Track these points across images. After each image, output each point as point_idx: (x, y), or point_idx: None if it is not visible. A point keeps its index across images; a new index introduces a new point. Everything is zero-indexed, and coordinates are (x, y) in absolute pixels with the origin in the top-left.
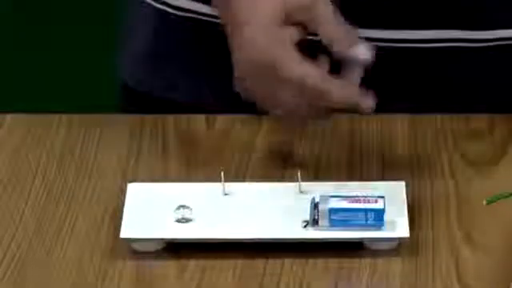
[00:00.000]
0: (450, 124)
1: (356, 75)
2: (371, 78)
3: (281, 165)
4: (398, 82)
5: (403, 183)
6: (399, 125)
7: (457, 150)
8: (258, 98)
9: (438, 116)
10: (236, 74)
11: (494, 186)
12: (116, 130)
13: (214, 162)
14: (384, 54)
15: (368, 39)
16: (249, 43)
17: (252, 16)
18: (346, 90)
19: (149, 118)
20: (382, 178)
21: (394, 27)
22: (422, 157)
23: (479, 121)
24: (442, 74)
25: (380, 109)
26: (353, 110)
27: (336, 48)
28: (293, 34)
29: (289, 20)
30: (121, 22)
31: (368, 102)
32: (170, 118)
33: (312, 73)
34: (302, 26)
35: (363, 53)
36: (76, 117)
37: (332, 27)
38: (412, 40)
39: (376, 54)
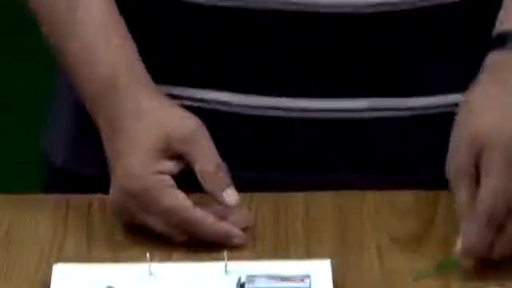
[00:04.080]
0: (374, 200)
1: (234, 216)
2: (304, 147)
3: (207, 243)
4: (329, 152)
5: (329, 261)
6: (325, 201)
7: (382, 226)
8: (130, 222)
9: (364, 192)
10: (111, 197)
11: (420, 263)
12: (41, 211)
13: (141, 241)
14: (314, 123)
15: (300, 110)
16: (127, 172)
17: (133, 145)
18: (216, 227)
19: (74, 197)
20: (308, 256)
21: (323, 96)
22: (348, 234)
23: (404, 197)
24: (370, 142)
25: (309, 180)
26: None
27: (207, 188)
28: (170, 166)
29: (169, 152)
30: (46, 102)
31: (237, 239)
32: (95, 198)
33: (184, 208)
34: (181, 158)
35: (230, 199)
36: (1, 197)
37: (208, 165)
38: (341, 109)
39: (307, 124)
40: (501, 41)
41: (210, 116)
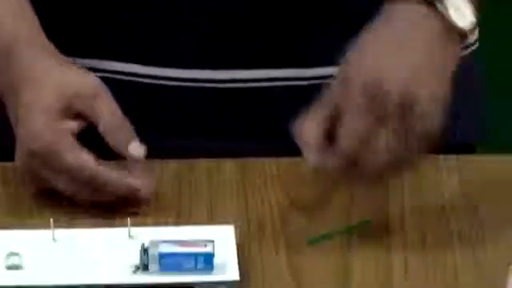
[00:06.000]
0: (276, 167)
1: (138, 170)
2: (203, 116)
3: (111, 210)
4: (229, 120)
5: (232, 227)
6: (228, 167)
7: (284, 192)
8: (39, 184)
9: (266, 159)
10: (16, 160)
11: (318, 227)
12: None
13: (45, 208)
14: (213, 93)
15: (198, 80)
16: (29, 132)
17: (33, 107)
18: (120, 181)
19: None
20: (212, 222)
21: (222, 67)
22: (251, 199)
23: (305, 164)
24: (271, 112)
25: (211, 148)
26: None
27: (112, 142)
28: (72, 125)
29: (70, 110)
30: None
31: (143, 192)
32: None
33: (87, 164)
34: (83, 116)
35: (136, 151)
36: None
37: (110, 121)
38: (240, 80)
39: (208, 93)
40: None
41: (110, 86)
